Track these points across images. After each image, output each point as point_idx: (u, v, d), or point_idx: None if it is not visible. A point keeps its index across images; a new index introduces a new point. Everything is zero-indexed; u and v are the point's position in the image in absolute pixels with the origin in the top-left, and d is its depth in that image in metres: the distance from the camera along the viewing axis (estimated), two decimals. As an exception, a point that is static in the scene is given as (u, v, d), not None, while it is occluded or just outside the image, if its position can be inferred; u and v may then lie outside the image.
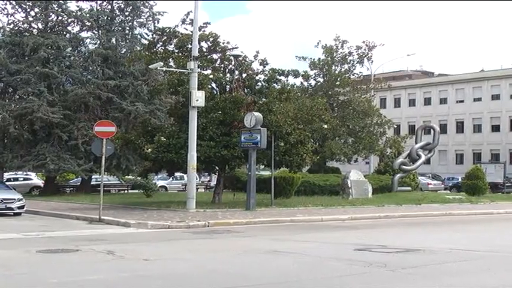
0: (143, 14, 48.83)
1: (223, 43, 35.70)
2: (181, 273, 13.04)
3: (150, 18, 48.66)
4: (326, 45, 55.04)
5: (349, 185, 39.05)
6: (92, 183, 48.65)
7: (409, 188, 45.28)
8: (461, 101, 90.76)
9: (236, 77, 35.68)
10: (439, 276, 12.94)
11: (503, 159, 78.86)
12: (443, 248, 17.01)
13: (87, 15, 47.41)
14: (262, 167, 39.77)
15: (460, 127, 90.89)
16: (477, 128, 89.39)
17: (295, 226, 24.20)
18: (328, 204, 33.50)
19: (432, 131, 49.31)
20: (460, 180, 56.40)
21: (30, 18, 47.40)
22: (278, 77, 36.74)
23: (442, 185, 65.65)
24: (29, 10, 47.05)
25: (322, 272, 13.32)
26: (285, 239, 19.73)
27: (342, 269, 13.47)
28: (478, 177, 46.15)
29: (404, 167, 45.07)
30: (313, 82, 54.74)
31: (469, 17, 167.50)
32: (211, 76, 35.32)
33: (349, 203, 34.83)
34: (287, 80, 39.00)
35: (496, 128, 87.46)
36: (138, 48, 45.62)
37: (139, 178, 45.29)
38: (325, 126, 44.85)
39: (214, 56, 36.28)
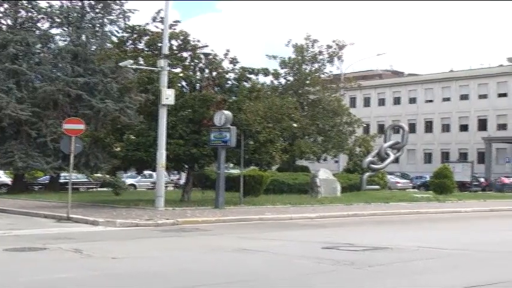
0: (114, 12, 48.65)
1: (193, 41, 35.67)
2: (150, 271, 13.02)
3: (121, 16, 48.49)
4: (297, 44, 55.22)
5: (318, 184, 39.17)
6: (60, 181, 48.34)
7: (378, 187, 45.51)
8: (431, 101, 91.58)
9: (206, 76, 35.69)
10: (406, 274, 13.06)
11: (471, 159, 79.69)
12: (411, 246, 17.13)
13: (57, 11, 47.13)
14: (231, 165, 39.73)
15: (428, 126, 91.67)
16: (446, 128, 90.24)
17: (264, 224, 24.24)
18: (297, 202, 33.58)
19: (401, 130, 49.62)
20: (428, 179, 56.81)
21: (0, 14, 47.05)
22: (248, 75, 36.78)
23: (411, 184, 66.19)
24: (-2, 6, 46.69)
25: (290, 270, 13.37)
26: (254, 237, 19.76)
27: (310, 267, 13.53)
28: (445, 176, 46.57)
29: (373, 165, 45.31)
30: (283, 81, 54.92)
31: (439, 17, 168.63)
32: (181, 74, 35.25)
33: (318, 201, 34.96)
34: (257, 79, 39.14)
35: (464, 128, 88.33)
36: (109, 45, 45.47)
37: (108, 176, 45.11)
38: (295, 125, 44.99)
39: (185, 55, 36.21)
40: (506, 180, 66.21)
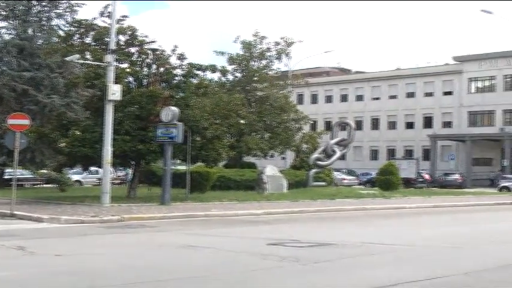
0: (61, 5, 47.92)
1: (141, 37, 35.49)
2: (94, 268, 12.95)
3: (68, 10, 47.76)
4: (245, 40, 55.27)
5: (265, 180, 39.30)
6: (4, 177, 47.67)
7: (324, 183, 45.78)
8: (377, 98, 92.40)
9: (153, 71, 35.55)
10: (350, 270, 13.23)
11: (417, 156, 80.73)
12: (356, 242, 17.34)
13: (3, 4, 46.30)
14: (178, 161, 39.68)
15: (375, 124, 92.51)
16: (392, 125, 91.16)
17: (210, 221, 24.25)
18: (244, 199, 33.65)
19: (347, 127, 50.04)
20: (374, 175, 57.34)
21: None
22: (196, 71, 36.72)
23: (357, 180, 66.78)
24: None
25: (236, 266, 13.42)
26: (200, 233, 19.76)
27: (255, 264, 13.60)
28: (391, 173, 47.11)
29: (319, 162, 45.58)
30: (231, 77, 54.93)
31: (386, 16, 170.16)
32: (128, 70, 35.09)
33: (265, 198, 35.07)
34: (205, 75, 39.05)
35: (410, 125, 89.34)
36: (55, 39, 44.92)
37: (53, 172, 44.62)
38: (242, 121, 45.10)
39: (132, 50, 36.02)
40: (427, 176, 67.57)
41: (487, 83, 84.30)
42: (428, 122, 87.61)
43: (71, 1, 47.66)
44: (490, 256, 15.58)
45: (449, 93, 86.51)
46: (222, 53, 55.20)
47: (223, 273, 12.66)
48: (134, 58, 35.80)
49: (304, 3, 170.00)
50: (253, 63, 55.44)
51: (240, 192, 38.17)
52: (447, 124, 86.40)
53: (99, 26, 35.66)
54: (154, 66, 35.72)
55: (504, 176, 66.38)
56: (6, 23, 47.25)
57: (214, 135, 34.18)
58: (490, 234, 20.97)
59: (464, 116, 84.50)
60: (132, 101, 32.74)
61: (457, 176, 69.88)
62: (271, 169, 40.91)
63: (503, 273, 13.27)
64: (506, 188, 57.41)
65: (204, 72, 38.10)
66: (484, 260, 14.84)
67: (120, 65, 33.71)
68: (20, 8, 46.79)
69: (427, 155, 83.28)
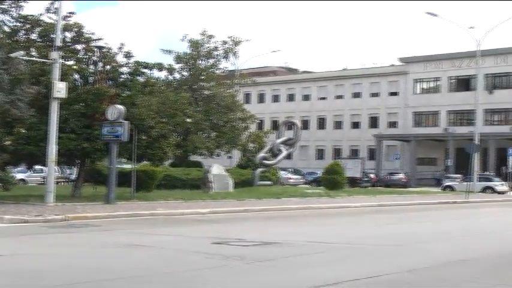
0: (6, 0, 47.41)
1: (87, 34, 35.22)
2: (37, 268, 12.83)
3: (14, 5, 47.18)
4: (192, 39, 55.14)
5: (211, 179, 39.31)
6: None
7: (270, 182, 45.94)
8: (324, 98, 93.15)
9: (99, 69, 35.30)
10: (294, 268, 13.33)
11: (362, 155, 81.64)
12: (300, 241, 17.47)
13: None
14: (124, 160, 39.45)
15: (321, 123, 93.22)
16: (338, 125, 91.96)
17: (155, 220, 24.20)
18: (189, 198, 33.62)
19: (294, 126, 50.28)
20: (320, 174, 57.67)
21: None
22: (142, 69, 36.59)
23: (303, 180, 67.11)
24: None
25: (180, 265, 13.44)
26: (144, 232, 19.73)
27: (199, 263, 13.63)
28: (336, 172, 47.47)
29: (265, 161, 45.75)
30: (178, 76, 54.75)
31: (333, 16, 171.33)
32: (74, 67, 34.75)
33: (210, 197, 35.08)
34: (151, 73, 38.91)
35: (356, 125, 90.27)
36: (0, 35, 44.32)
37: (-3, 171, 44.00)
38: (189, 120, 45.00)
39: (78, 47, 35.73)
40: (372, 175, 68.41)
41: (432, 84, 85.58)
42: (374, 122, 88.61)
43: (17, -4, 47.17)
44: (432, 254, 15.85)
45: (394, 93, 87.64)
46: (169, 52, 55.04)
47: (167, 272, 12.66)
48: (80, 55, 35.48)
49: (252, 2, 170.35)
50: (200, 62, 55.36)
51: (186, 191, 38.14)
52: (392, 124, 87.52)
53: (45, 22, 35.27)
54: (100, 64, 35.47)
55: (448, 175, 67.50)
56: None
57: (160, 134, 34.08)
58: (432, 233, 21.34)
59: (410, 117, 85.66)
60: (78, 99, 32.50)
61: (401, 176, 70.79)
62: (217, 168, 40.93)
63: (443, 271, 13.50)
64: (450, 187, 58.36)
65: (150, 70, 38.00)
66: (425, 257, 15.08)
67: (66, 62, 33.34)
68: (-37, 3, 46.12)
69: (372, 154, 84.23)
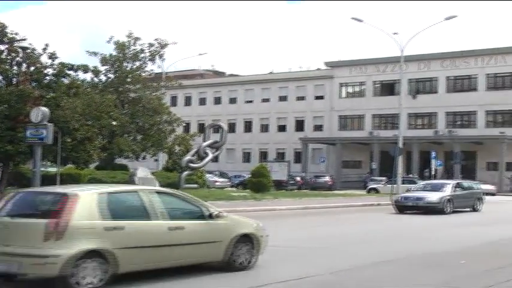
0: None
1: (11, 34, 34.73)
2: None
3: None
4: (118, 41, 54.72)
5: (136, 182, 38.94)
6: None
7: (196, 186, 45.72)
8: (250, 101, 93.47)
9: (23, 70, 34.85)
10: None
11: (288, 158, 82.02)
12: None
13: None
14: (49, 163, 38.94)
15: (248, 126, 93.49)
16: (264, 128, 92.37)
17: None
18: (115, 201, 33.24)
19: (220, 129, 50.25)
20: (246, 177, 57.78)
21: None
22: (67, 71, 36.28)
23: (229, 183, 67.17)
24: None
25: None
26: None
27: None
28: (263, 175, 47.57)
29: (191, 164, 45.50)
30: (103, 78, 54.24)
31: (260, 19, 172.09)
32: (-3, 68, 34.28)
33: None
34: (77, 75, 38.54)
35: (282, 128, 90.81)
36: None
37: None
38: (114, 122, 44.65)
39: (1, 47, 35.23)
40: (298, 178, 68.83)
41: (357, 88, 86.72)
42: (300, 126, 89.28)
43: None
44: (356, 255, 16.13)
45: (320, 97, 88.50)
46: (95, 53, 54.46)
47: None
48: (3, 56, 34.96)
49: (179, 5, 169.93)
50: (126, 64, 54.92)
51: (111, 194, 37.71)
52: (318, 128, 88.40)
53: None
54: (24, 65, 35.02)
55: (373, 178, 68.50)
56: None
57: (85, 137, 33.82)
58: (356, 235, 21.65)
59: (335, 120, 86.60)
60: (1, 100, 32.05)
61: (327, 178, 71.40)
62: (142, 171, 40.64)
63: (366, 272, 13.78)
64: (375, 190, 59.20)
65: (76, 72, 37.69)
66: (349, 259, 15.35)
67: (-12, 63, 32.88)
68: None
69: (298, 157, 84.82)
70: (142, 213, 11.97)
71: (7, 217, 11.32)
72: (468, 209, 35.61)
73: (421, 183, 42.19)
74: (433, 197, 33.45)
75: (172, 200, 12.88)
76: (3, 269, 10.88)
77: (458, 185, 36.79)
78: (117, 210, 11.65)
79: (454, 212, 33.38)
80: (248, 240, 13.85)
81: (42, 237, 10.63)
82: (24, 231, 10.97)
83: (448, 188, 35.11)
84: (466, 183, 40.02)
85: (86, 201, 11.24)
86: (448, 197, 33.82)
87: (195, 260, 13.00)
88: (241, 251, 13.59)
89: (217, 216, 13.28)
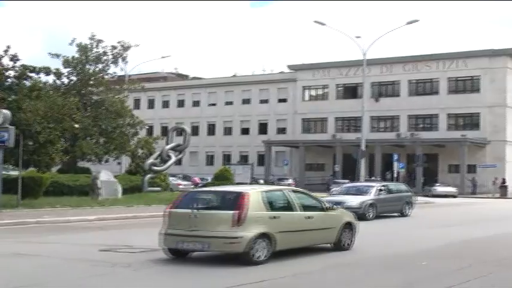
0: None
1: (-30, 37, 34.40)
2: None
3: None
4: (81, 43, 54.33)
5: (99, 186, 38.76)
6: None
7: (159, 189, 45.62)
8: (214, 104, 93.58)
9: (-16, 73, 34.51)
10: (179, 274, 13.48)
11: (252, 161, 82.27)
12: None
13: None
14: (10, 167, 38.52)
15: (211, 129, 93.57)
16: (228, 131, 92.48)
17: (42, 228, 23.71)
18: (77, 204, 33.02)
19: (183, 132, 50.21)
20: (209, 180, 57.77)
21: None
22: (29, 73, 36.01)
23: (192, 186, 67.05)
24: None
25: (65, 274, 13.33)
26: (30, 241, 19.29)
27: (86, 271, 13.56)
28: (226, 178, 47.72)
29: (154, 167, 45.40)
30: (66, 80, 53.79)
31: (223, 22, 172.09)
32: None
33: (99, 203, 34.59)
34: (39, 78, 38.20)
35: (245, 131, 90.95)
36: None
37: None
38: (77, 125, 44.22)
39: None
40: (261, 181, 68.94)
41: (320, 92, 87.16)
42: (263, 128, 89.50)
43: None
44: (324, 258, 16.26)
45: (283, 100, 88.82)
46: (57, 56, 53.97)
47: (53, 281, 12.56)
48: (-37, 58, 34.63)
49: (142, 7, 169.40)
50: (89, 66, 54.54)
51: (73, 198, 37.41)
52: (281, 130, 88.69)
53: None
54: (-16, 68, 34.67)
55: (335, 180, 68.76)
56: None
57: (48, 140, 33.52)
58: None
59: (298, 123, 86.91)
60: (-39, 103, 31.67)
61: (290, 181, 71.50)
62: (105, 174, 40.39)
63: (331, 274, 13.89)
64: (337, 192, 59.15)
65: (37, 74, 37.42)
66: (309, 263, 15.43)
67: None
68: None
69: (261, 160, 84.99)
70: (288, 206, 16.09)
71: (194, 210, 15.08)
72: (396, 214, 33.66)
73: (347, 185, 39.25)
74: (353, 201, 30.52)
75: (303, 196, 17.08)
76: (193, 247, 14.94)
77: (384, 188, 34.22)
78: (273, 204, 15.68)
79: (378, 217, 31.19)
80: (349, 227, 17.92)
81: (230, 224, 14.50)
82: (213, 220, 14.84)
83: (372, 192, 32.69)
84: (393, 185, 37.73)
85: (255, 198, 15.11)
86: (371, 202, 31.38)
87: (318, 242, 17.28)
88: (346, 235, 17.76)
89: (331, 209, 17.49)
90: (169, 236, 15.28)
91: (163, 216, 15.80)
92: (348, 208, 24.10)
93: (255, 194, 15.32)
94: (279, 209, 15.80)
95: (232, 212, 14.57)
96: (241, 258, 14.51)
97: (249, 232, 14.44)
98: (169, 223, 15.44)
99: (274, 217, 15.28)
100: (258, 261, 14.55)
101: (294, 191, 17.30)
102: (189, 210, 15.08)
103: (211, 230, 14.58)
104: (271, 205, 15.48)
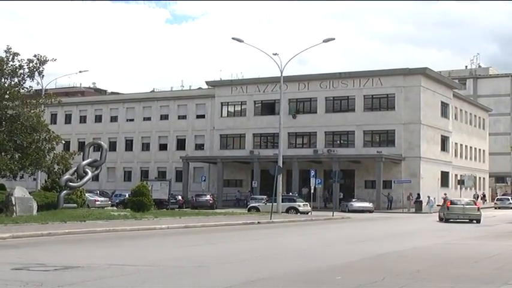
0: None
1: None
2: None
3: None
4: (-4, 56, 53.38)
5: (13, 202, 38.17)
6: None
7: (75, 205, 45.13)
8: (132, 120, 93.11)
9: None
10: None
11: (170, 177, 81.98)
12: (102, 264, 17.50)
13: None
14: None
15: (129, 145, 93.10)
16: (146, 146, 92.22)
17: (-47, 245, 23.29)
18: (-10, 222, 32.51)
19: (100, 148, 49.83)
20: (127, 196, 57.38)
21: None
22: None
23: (110, 202, 66.52)
24: None
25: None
26: None
27: (-4, 290, 13.42)
28: (143, 194, 47.41)
29: (71, 183, 44.91)
30: (-20, 94, 52.78)
31: (142, 38, 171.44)
32: None
33: (13, 220, 34.04)
34: None
35: (163, 147, 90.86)
36: None
37: None
38: (-10, 141, 43.48)
39: None
40: (179, 197, 69.08)
41: (238, 108, 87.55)
42: (181, 144, 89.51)
43: None
44: (237, 273, 16.43)
45: (202, 116, 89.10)
46: (-29, 69, 52.98)
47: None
48: None
49: (59, 20, 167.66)
50: (4, 80, 53.62)
51: (-13, 215, 36.81)
52: (200, 146, 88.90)
53: None
54: None
55: (253, 196, 69.12)
56: None
57: (-40, 155, 32.87)
58: (233, 253, 21.93)
59: (216, 139, 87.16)
60: None
61: (208, 197, 71.59)
62: (20, 190, 39.81)
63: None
64: (255, 208, 59.49)
65: (-50, 88, 36.54)
66: (225, 278, 15.57)
67: None
68: None
69: (180, 176, 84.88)
70: None
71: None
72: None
73: None
74: None
75: None
76: None
77: None
78: None
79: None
80: None
81: None
82: None
83: None
84: None
85: None
86: None
87: None
88: None
89: None
90: None
91: None
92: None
93: None
94: None
95: None
96: None
97: None
98: None
99: None
100: None
101: None
102: None
103: None
104: None
